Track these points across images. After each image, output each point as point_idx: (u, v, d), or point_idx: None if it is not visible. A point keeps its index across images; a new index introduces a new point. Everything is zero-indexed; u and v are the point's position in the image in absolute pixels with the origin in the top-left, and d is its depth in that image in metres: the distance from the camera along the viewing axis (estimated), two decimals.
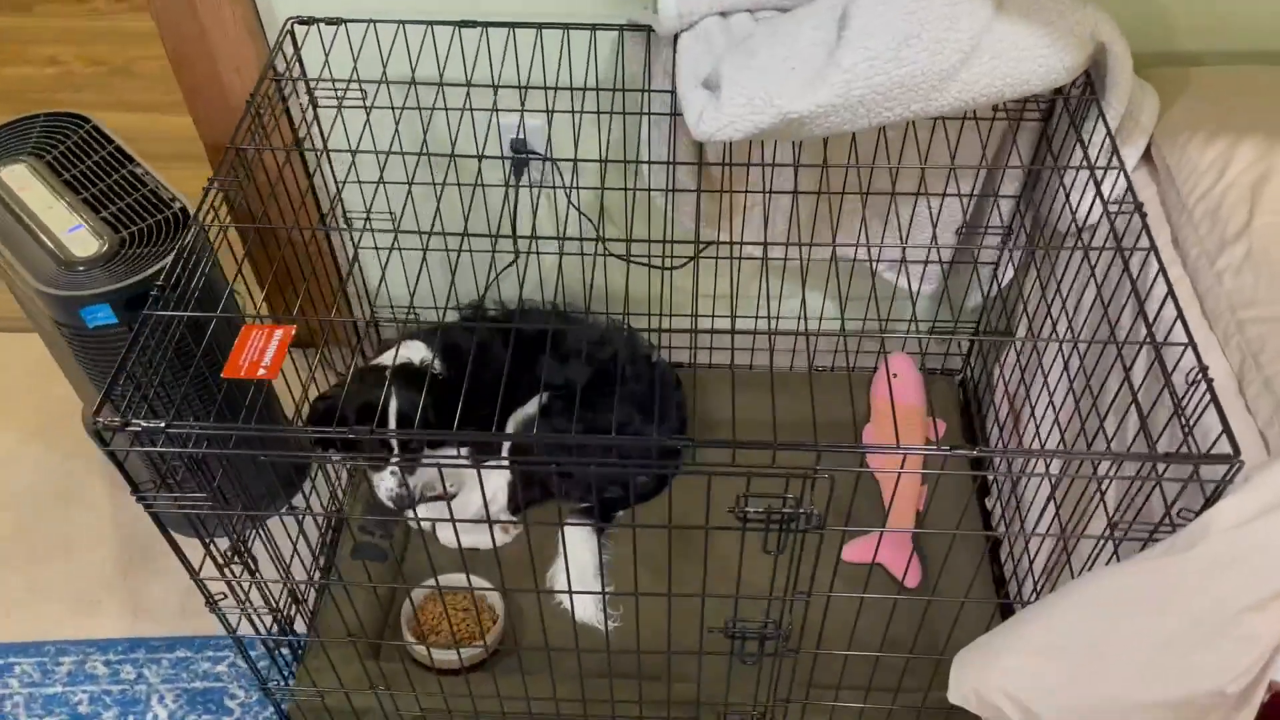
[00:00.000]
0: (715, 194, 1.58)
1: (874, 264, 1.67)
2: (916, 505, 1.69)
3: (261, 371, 0.99)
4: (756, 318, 1.82)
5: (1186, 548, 0.94)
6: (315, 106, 1.45)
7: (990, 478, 1.70)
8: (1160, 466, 0.98)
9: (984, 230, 1.61)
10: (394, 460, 1.47)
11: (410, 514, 1.59)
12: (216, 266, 1.21)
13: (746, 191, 1.58)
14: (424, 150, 1.43)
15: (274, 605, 1.33)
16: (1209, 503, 0.97)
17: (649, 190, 1.60)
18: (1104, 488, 1.18)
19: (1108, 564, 1.08)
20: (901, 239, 1.46)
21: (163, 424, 0.96)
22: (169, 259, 1.09)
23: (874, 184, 1.54)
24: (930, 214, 1.58)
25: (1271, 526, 0.91)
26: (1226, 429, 0.95)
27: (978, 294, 1.73)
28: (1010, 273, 1.63)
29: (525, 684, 1.39)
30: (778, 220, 1.65)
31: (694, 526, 1.03)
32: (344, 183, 1.41)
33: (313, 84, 1.43)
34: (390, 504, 1.51)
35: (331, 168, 1.52)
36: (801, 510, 1.00)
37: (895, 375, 1.81)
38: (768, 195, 1.57)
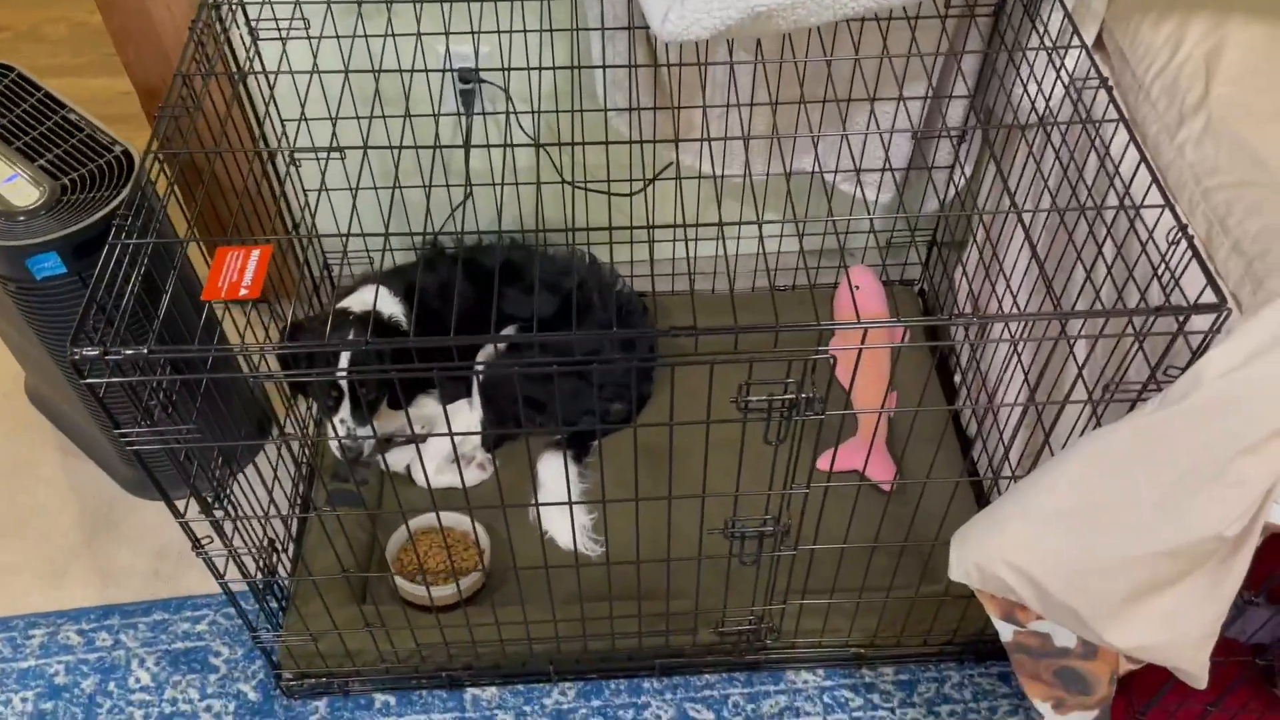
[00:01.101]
0: (670, 110, 1.56)
1: (834, 174, 1.67)
2: (886, 405, 1.71)
3: (243, 291, 0.95)
4: (718, 240, 1.81)
5: (1179, 399, 0.96)
6: (256, 39, 1.39)
7: (959, 374, 1.72)
8: (1146, 325, 1.00)
9: (939, 133, 1.62)
10: (341, 423, 1.44)
11: (380, 460, 1.57)
12: (171, 202, 1.16)
13: (705, 107, 1.57)
14: (373, 69, 1.38)
15: (259, 546, 1.29)
16: (1196, 355, 0.99)
17: (604, 109, 1.57)
18: (1080, 357, 1.21)
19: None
20: (856, 146, 1.47)
21: (145, 349, 0.92)
22: (126, 192, 1.04)
23: (830, 93, 1.53)
24: (879, 121, 1.58)
25: (1260, 370, 0.93)
26: (1210, 280, 0.98)
27: (934, 200, 1.74)
28: (968, 172, 1.65)
29: (524, 612, 1.38)
30: (735, 133, 1.64)
31: (695, 422, 1.03)
32: (300, 118, 1.36)
33: (250, 11, 1.37)
34: (340, 455, 1.47)
35: (277, 105, 1.47)
36: (803, 395, 1.00)
37: (857, 288, 1.82)
38: (727, 109, 1.56)
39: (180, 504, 1.14)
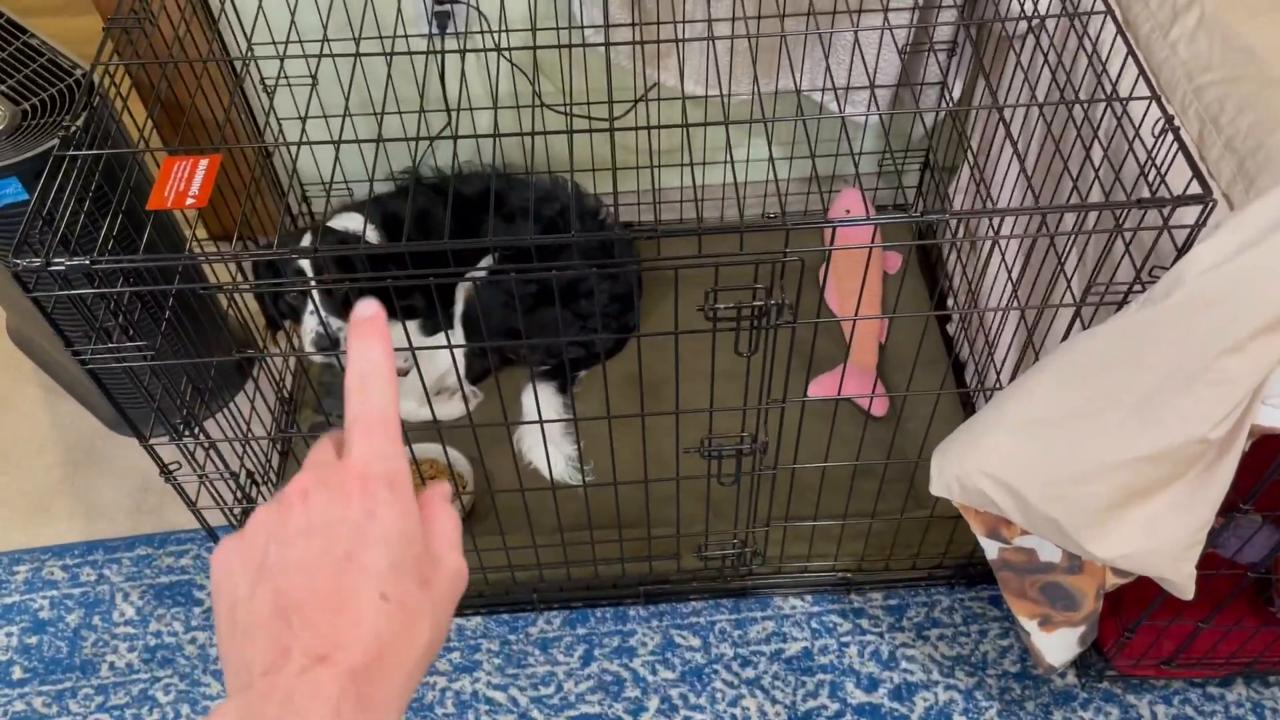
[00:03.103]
0: (647, 27, 1.52)
1: (820, 92, 1.62)
2: (879, 338, 1.68)
3: (190, 200, 0.92)
4: (687, 167, 1.77)
5: (1162, 298, 0.93)
6: None
7: (952, 297, 1.69)
8: (1125, 216, 0.96)
9: (930, 46, 1.57)
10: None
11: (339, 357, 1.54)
12: (125, 119, 1.13)
13: (686, 22, 1.52)
14: None
15: (235, 474, 1.27)
16: (1182, 252, 0.95)
17: (582, 28, 1.53)
18: (1064, 251, 1.17)
19: None
20: (843, 63, 1.42)
21: (86, 260, 0.89)
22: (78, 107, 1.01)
23: (817, 7, 1.48)
24: (861, 38, 1.53)
25: (1245, 265, 0.89)
26: (1196, 172, 0.93)
27: (929, 118, 1.70)
28: (959, 90, 1.60)
29: (504, 539, 1.36)
30: (720, 53, 1.59)
31: (664, 333, 1.00)
32: (254, 32, 1.31)
33: None
34: (315, 348, 1.44)
35: (239, 19, 1.43)
36: (773, 302, 0.96)
37: (848, 211, 1.78)
38: (709, 24, 1.50)
39: (160, 438, 1.12)
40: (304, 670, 0.37)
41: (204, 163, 0.95)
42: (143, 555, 1.55)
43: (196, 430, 1.22)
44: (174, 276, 1.08)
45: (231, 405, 1.36)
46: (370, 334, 0.46)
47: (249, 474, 1.37)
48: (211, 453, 1.24)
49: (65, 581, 1.53)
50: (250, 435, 1.30)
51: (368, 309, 0.47)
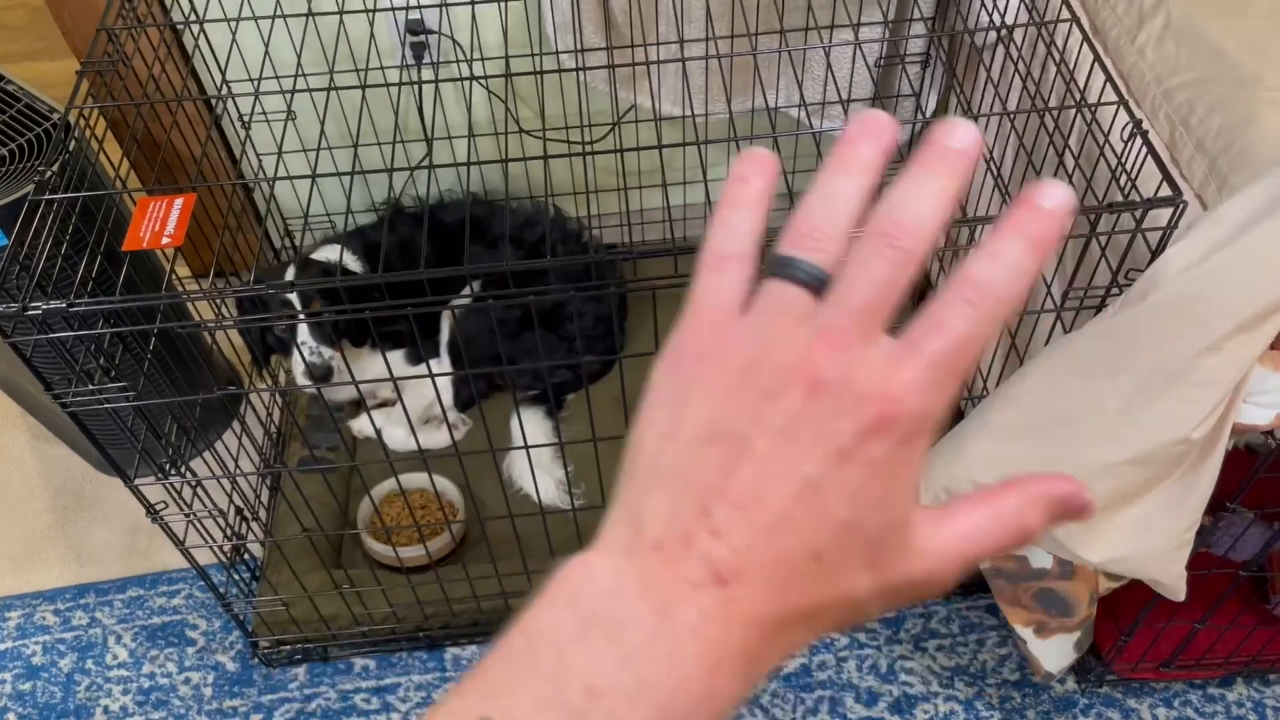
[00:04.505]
0: (621, 50, 1.53)
1: (796, 108, 1.63)
2: None
3: (165, 240, 0.92)
4: (662, 188, 1.78)
5: (1140, 299, 0.93)
6: None
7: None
8: (1098, 220, 0.97)
9: (903, 59, 1.58)
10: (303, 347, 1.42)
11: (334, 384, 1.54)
12: (102, 160, 1.13)
13: (659, 44, 1.53)
14: (309, 10, 1.34)
15: (224, 512, 1.27)
16: (1156, 254, 0.96)
17: (556, 54, 1.54)
18: (1047, 266, 1.17)
19: None
20: (818, 78, 1.43)
21: (64, 303, 0.89)
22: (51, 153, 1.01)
23: (788, 25, 1.49)
24: (829, 54, 1.54)
25: (1220, 263, 0.90)
26: (1166, 175, 0.94)
27: (905, 130, 1.70)
28: (933, 102, 1.61)
29: (495, 566, 1.36)
30: (694, 73, 1.60)
31: (645, 354, 0.99)
32: (227, 69, 1.32)
33: None
34: (308, 380, 1.44)
35: (215, 55, 1.43)
36: None
37: None
38: (681, 44, 1.51)
39: (146, 479, 1.12)
40: (698, 585, 0.31)
41: (179, 202, 0.95)
42: (134, 597, 1.55)
43: (183, 469, 1.22)
44: (155, 316, 1.08)
45: (220, 442, 1.36)
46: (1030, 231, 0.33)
47: (238, 511, 1.37)
48: (199, 491, 1.24)
49: (58, 626, 1.52)
50: (238, 471, 1.29)
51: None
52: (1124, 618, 1.30)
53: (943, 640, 1.45)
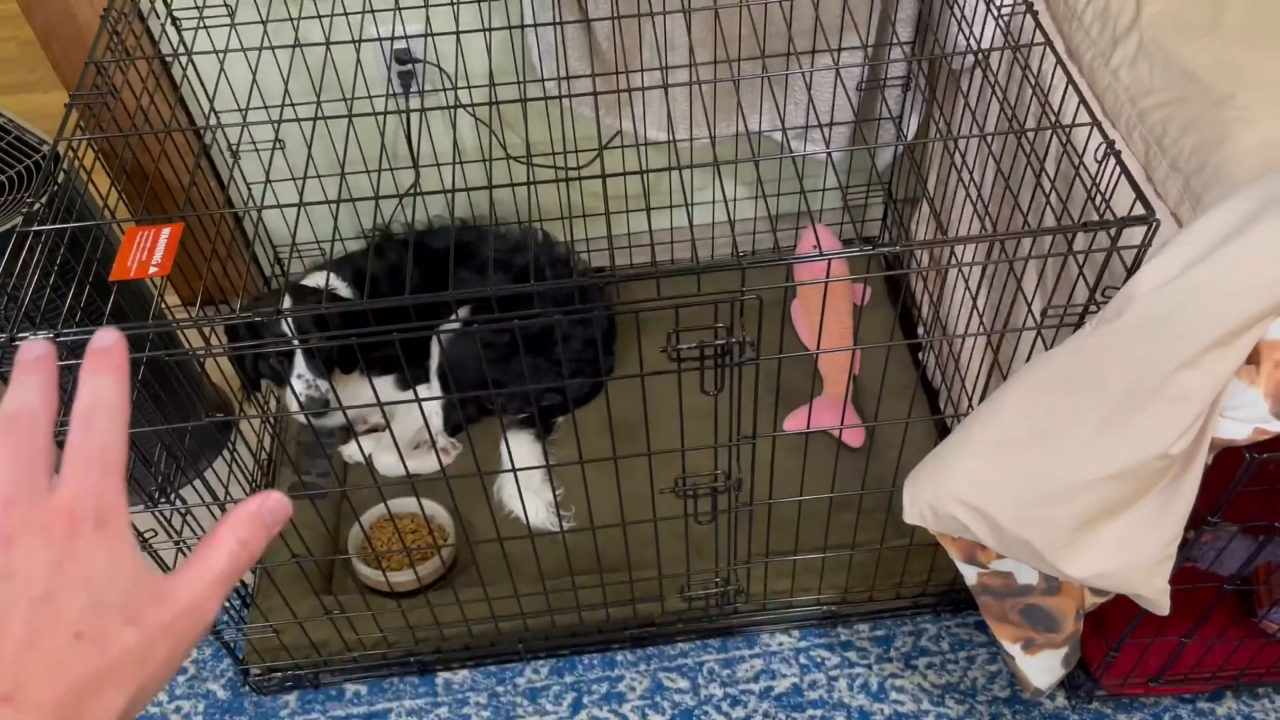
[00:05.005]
0: (606, 77, 1.54)
1: (778, 132, 1.65)
2: (852, 369, 1.69)
3: (153, 270, 0.93)
4: (645, 211, 1.79)
5: (1115, 317, 0.94)
6: (176, 25, 1.37)
7: (921, 326, 1.70)
8: (1073, 239, 0.98)
9: (883, 83, 1.60)
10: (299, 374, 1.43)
11: (330, 420, 1.55)
12: (90, 191, 1.14)
13: (643, 71, 1.55)
14: (295, 43, 1.35)
15: None
16: (1131, 271, 0.97)
17: (541, 81, 1.55)
18: (1023, 274, 1.19)
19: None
20: (799, 103, 1.44)
21: (51, 334, 0.90)
22: (36, 182, 1.02)
23: (769, 51, 1.51)
24: (808, 78, 1.56)
25: (1193, 280, 0.91)
26: (1139, 194, 0.96)
27: (887, 153, 1.73)
28: (914, 126, 1.63)
29: (485, 590, 1.36)
30: (678, 100, 1.62)
31: (630, 376, 1.01)
32: (213, 101, 1.33)
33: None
34: (308, 413, 1.45)
35: (204, 88, 1.45)
36: (734, 340, 0.98)
37: (815, 247, 1.80)
38: (664, 71, 1.53)
39: (135, 508, 1.12)
40: None
41: (166, 231, 0.96)
42: None
43: (173, 496, 1.22)
44: (144, 344, 1.09)
45: (210, 470, 1.36)
46: (105, 366, 0.45)
47: None
48: (189, 518, 1.24)
49: None
50: (228, 498, 1.30)
51: (106, 339, 0.45)
52: (1111, 633, 1.30)
53: (933, 658, 1.46)
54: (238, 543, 0.45)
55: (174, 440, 1.36)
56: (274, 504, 0.47)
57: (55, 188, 1.05)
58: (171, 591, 0.43)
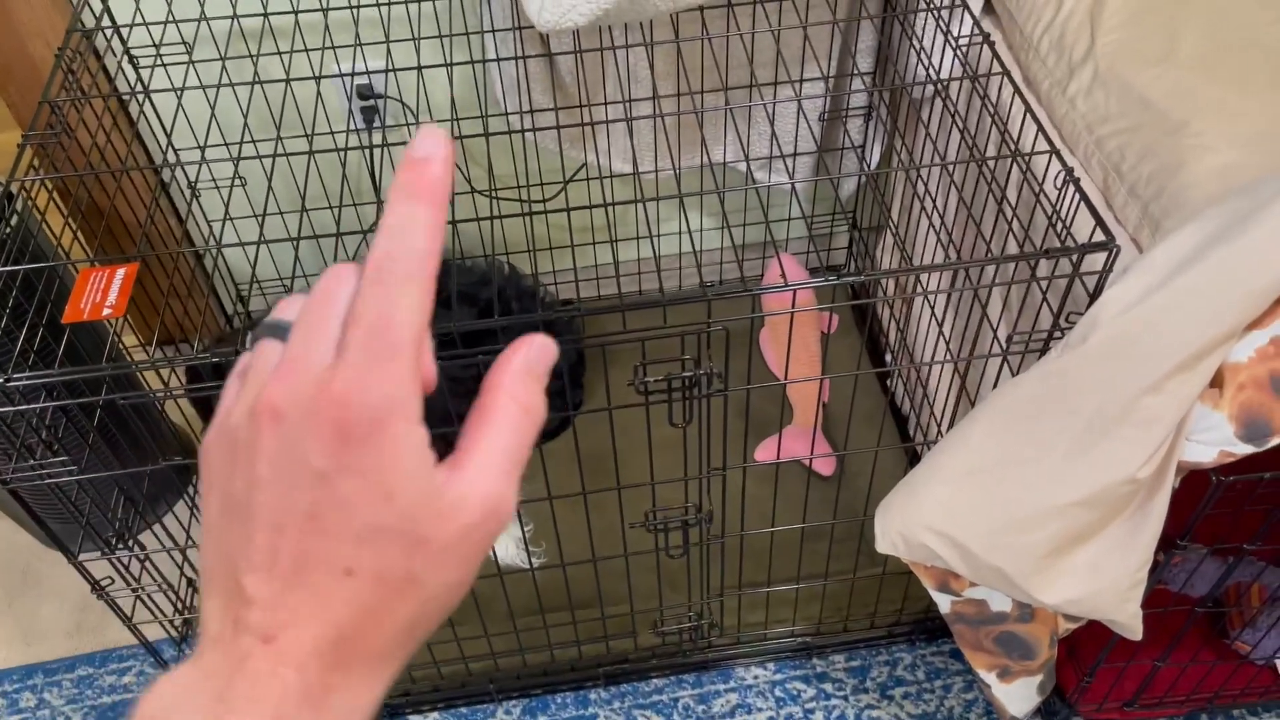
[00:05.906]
0: (569, 110, 1.54)
1: (741, 162, 1.66)
2: (821, 397, 1.69)
3: (107, 311, 0.91)
4: (612, 243, 1.79)
5: (1080, 342, 0.95)
6: (134, 63, 1.36)
7: (889, 353, 1.71)
8: (1035, 267, 0.99)
9: (845, 113, 1.62)
10: None
11: None
12: (44, 231, 1.12)
13: (606, 104, 1.55)
14: (255, 79, 1.34)
15: (174, 586, 1.24)
16: (1094, 298, 0.98)
17: (505, 115, 1.55)
18: (987, 301, 1.19)
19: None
20: (762, 135, 1.45)
21: (2, 378, 0.87)
22: None
23: (732, 83, 1.52)
24: (770, 109, 1.58)
25: (1156, 305, 0.92)
26: (1099, 220, 0.96)
27: (851, 182, 1.74)
28: (877, 153, 1.64)
29: (454, 630, 1.34)
30: (642, 132, 1.63)
31: (598, 410, 1.00)
32: (170, 136, 1.32)
33: (125, 34, 1.34)
34: None
35: (163, 124, 1.43)
36: (702, 371, 0.97)
37: (782, 276, 1.81)
38: (626, 104, 1.54)
39: (92, 554, 1.10)
40: (247, 656, 0.32)
41: (121, 272, 0.94)
42: (84, 676, 1.50)
43: (130, 542, 1.19)
44: (101, 387, 1.06)
45: (171, 514, 1.33)
46: (420, 190, 0.34)
47: (189, 583, 1.34)
48: (148, 564, 1.21)
49: (4, 709, 1.47)
50: (189, 543, 1.27)
51: (428, 143, 0.35)
52: (1085, 658, 1.30)
53: (909, 688, 1.45)
54: (519, 410, 0.37)
55: (131, 485, 1.33)
56: (538, 349, 0.38)
57: (8, 229, 1.03)
58: (459, 498, 0.34)
